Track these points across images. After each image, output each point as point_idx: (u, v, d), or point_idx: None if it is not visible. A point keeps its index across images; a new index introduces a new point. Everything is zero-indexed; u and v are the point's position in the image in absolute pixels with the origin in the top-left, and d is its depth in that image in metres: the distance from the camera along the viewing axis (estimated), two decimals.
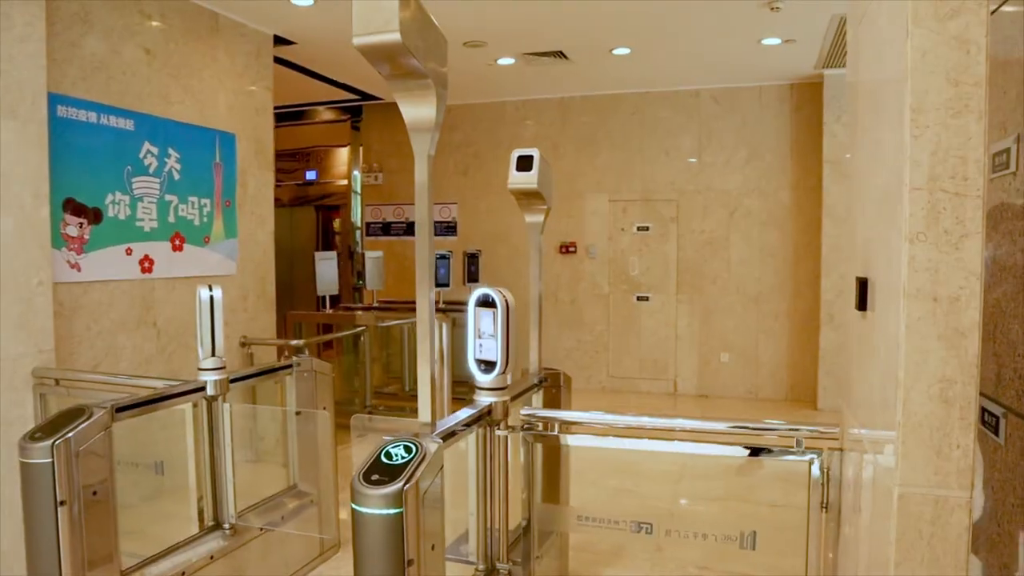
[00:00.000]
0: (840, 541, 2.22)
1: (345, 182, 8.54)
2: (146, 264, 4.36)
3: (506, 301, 2.53)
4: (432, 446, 1.94)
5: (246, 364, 5.19)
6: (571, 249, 7.99)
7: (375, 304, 6.85)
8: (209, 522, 3.05)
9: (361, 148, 8.43)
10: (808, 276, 7.07)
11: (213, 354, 2.96)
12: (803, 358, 7.12)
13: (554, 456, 3.01)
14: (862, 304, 1.87)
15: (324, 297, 6.19)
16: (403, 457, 1.90)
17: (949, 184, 1.43)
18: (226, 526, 3.05)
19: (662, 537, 2.44)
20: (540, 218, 3.12)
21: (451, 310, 6.65)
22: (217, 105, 4.94)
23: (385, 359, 6.97)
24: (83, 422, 2.38)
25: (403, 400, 6.83)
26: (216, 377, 2.99)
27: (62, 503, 2.30)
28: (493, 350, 2.53)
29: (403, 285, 8.36)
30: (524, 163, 2.90)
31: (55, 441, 2.29)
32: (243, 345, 5.17)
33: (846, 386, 2.17)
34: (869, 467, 1.78)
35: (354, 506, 1.83)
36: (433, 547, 1.94)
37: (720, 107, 7.36)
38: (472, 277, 7.48)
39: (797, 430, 2.32)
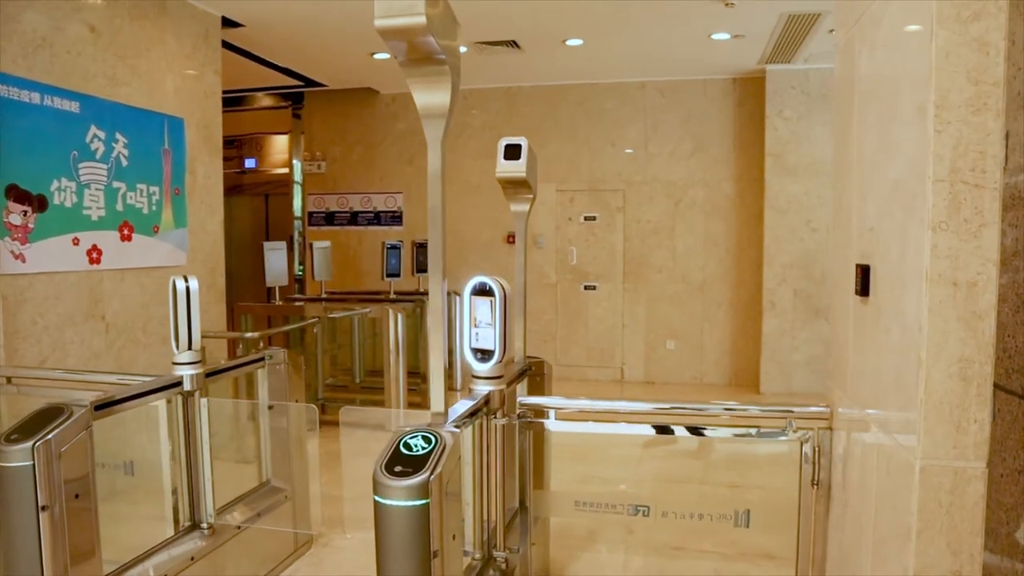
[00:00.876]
0: (831, 514, 2.34)
1: (286, 170, 8.30)
2: (94, 255, 4.13)
3: (503, 289, 2.53)
4: (450, 436, 1.93)
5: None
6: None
7: (323, 295, 6.70)
8: (185, 522, 2.94)
9: (302, 136, 8.20)
10: (750, 265, 7.34)
11: (190, 347, 2.84)
12: (746, 345, 7.40)
13: (540, 444, 3.03)
14: (864, 290, 1.97)
15: (274, 288, 6.01)
16: (423, 448, 1.89)
17: (969, 176, 1.52)
18: (204, 526, 2.94)
19: (659, 519, 2.50)
20: (526, 207, 3.12)
21: (402, 300, 6.60)
22: (165, 88, 4.71)
23: (334, 351, 6.84)
24: (63, 422, 2.24)
25: (354, 392, 6.73)
26: (193, 371, 2.87)
27: (43, 508, 2.17)
28: (490, 339, 2.52)
29: (347, 276, 8.22)
30: (512, 152, 2.91)
31: (35, 443, 2.16)
32: None
33: (838, 369, 2.28)
34: (874, 443, 1.88)
35: (378, 498, 1.81)
36: (454, 537, 1.94)
37: (665, 100, 7.53)
38: (421, 267, 7.41)
39: (790, 411, 2.42)
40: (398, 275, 6.83)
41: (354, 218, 8.17)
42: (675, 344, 7.71)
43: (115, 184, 4.28)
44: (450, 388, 7.33)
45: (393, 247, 6.75)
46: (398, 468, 1.82)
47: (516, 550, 2.71)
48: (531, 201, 3.10)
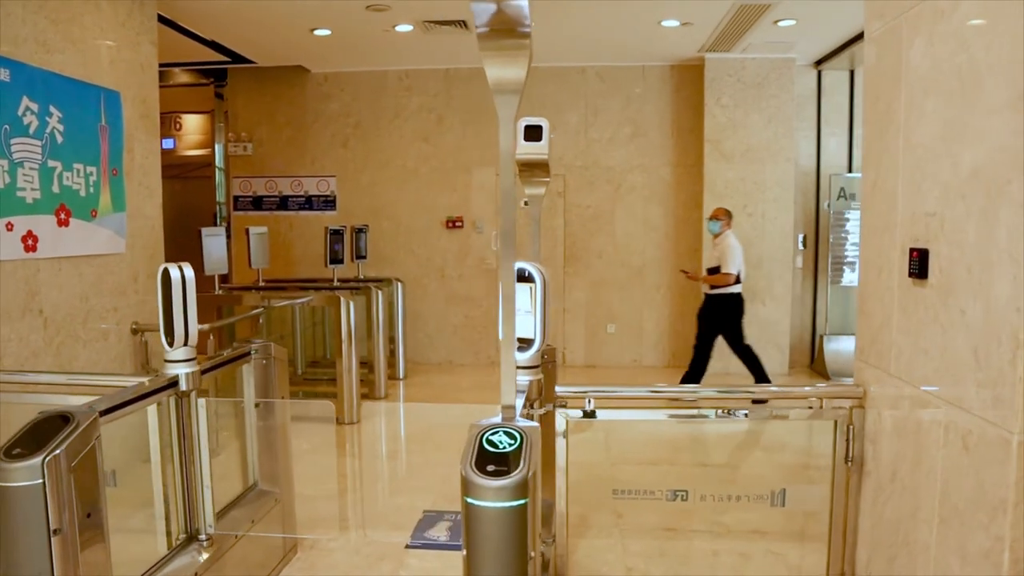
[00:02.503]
0: (863, 489, 2.42)
1: (206, 152, 7.77)
2: (29, 241, 3.69)
3: (543, 275, 2.46)
4: (532, 430, 1.85)
5: (140, 354, 4.61)
6: (458, 224, 7.89)
7: (261, 284, 6.34)
8: (180, 534, 2.69)
9: (226, 116, 7.69)
10: (688, 249, 7.54)
11: (186, 343, 2.59)
12: (684, 327, 7.61)
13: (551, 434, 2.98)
14: (922, 273, 2.03)
15: (213, 277, 5.62)
16: (509, 444, 1.80)
17: None
18: (202, 537, 2.70)
19: (696, 502, 2.52)
20: (542, 190, 3.05)
21: (348, 288, 6.35)
22: (100, 58, 4.27)
23: (274, 342, 6.47)
24: (71, 432, 1.98)
25: (297, 384, 6.42)
26: (188, 370, 2.61)
27: (55, 531, 1.90)
28: (530, 327, 2.44)
29: (277, 263, 7.81)
30: (533, 133, 2.81)
31: (45, 458, 1.89)
32: (135, 332, 4.58)
33: (875, 351, 2.35)
34: (940, 419, 1.95)
35: (471, 500, 1.70)
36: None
37: (605, 85, 7.58)
38: (360, 254, 7.17)
39: (822, 391, 2.49)
40: (341, 261, 6.58)
41: (284, 203, 7.76)
42: (615, 328, 7.84)
43: (50, 163, 3.84)
44: (391, 377, 7.17)
45: (336, 232, 6.48)
46: (490, 467, 1.72)
47: (551, 541, 2.66)
48: (547, 184, 3.03)
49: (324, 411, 3.21)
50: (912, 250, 2.09)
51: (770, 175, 7.07)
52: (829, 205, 7.17)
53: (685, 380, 6.08)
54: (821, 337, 7.24)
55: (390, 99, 7.76)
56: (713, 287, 5.98)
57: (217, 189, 7.71)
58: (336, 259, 6.45)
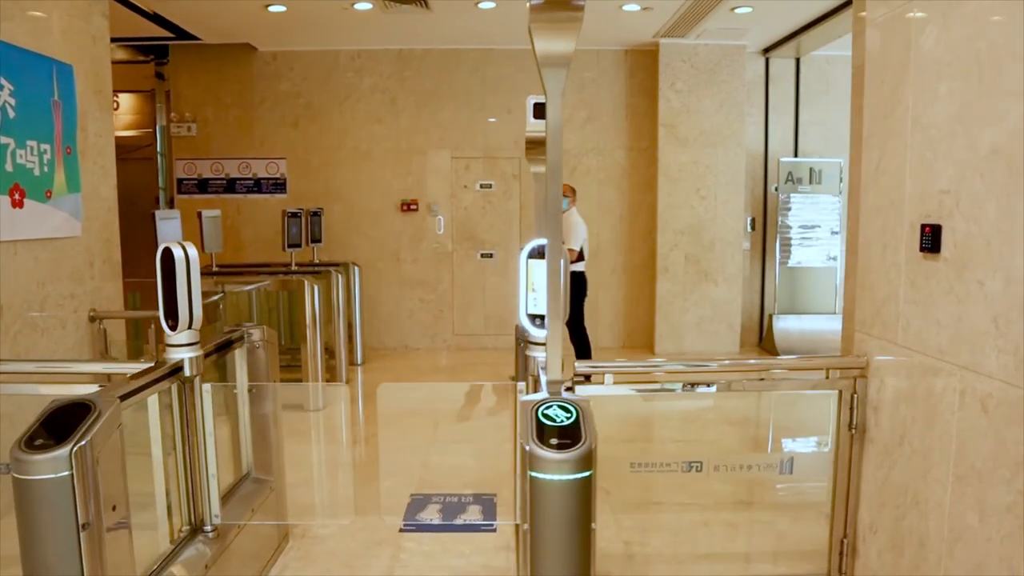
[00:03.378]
0: (866, 453, 2.56)
1: (144, 132, 7.38)
2: None
3: (565, 252, 2.47)
4: (586, 403, 1.87)
5: (99, 342, 4.37)
6: (413, 207, 7.80)
7: (214, 268, 6.11)
8: (184, 527, 2.59)
9: (168, 95, 7.32)
10: (642, 231, 7.69)
11: (191, 326, 2.48)
12: (638, 308, 7.78)
13: None
14: (935, 247, 2.15)
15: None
16: (566, 418, 1.82)
17: None
18: (208, 528, 2.61)
19: (711, 473, 2.60)
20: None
21: (308, 272, 6.19)
22: (51, 28, 3.99)
23: (218, 328, 6.24)
24: (94, 420, 1.88)
25: None
26: (192, 354, 2.50)
27: (84, 526, 1.81)
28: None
29: (226, 248, 7.51)
30: (541, 110, 2.80)
31: (72, 448, 1.79)
32: (93, 319, 4.34)
33: (880, 322, 2.47)
34: (955, 386, 2.07)
35: (536, 474, 1.71)
36: None
37: None
38: (315, 237, 7.00)
39: (825, 361, 2.61)
40: (300, 245, 6.40)
41: (232, 186, 7.47)
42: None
43: (3, 139, 3.58)
44: (351, 363, 7.05)
45: (294, 215, 6.30)
46: (554, 441, 1.73)
47: None
48: None
49: (341, 394, 3.12)
50: (924, 226, 2.20)
51: (722, 159, 7.28)
52: (777, 188, 7.44)
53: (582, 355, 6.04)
54: (770, 316, 7.53)
55: (342, 79, 7.56)
56: None
57: (160, 172, 7.34)
58: (294, 243, 6.27)
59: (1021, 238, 1.81)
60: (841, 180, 7.26)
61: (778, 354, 7.22)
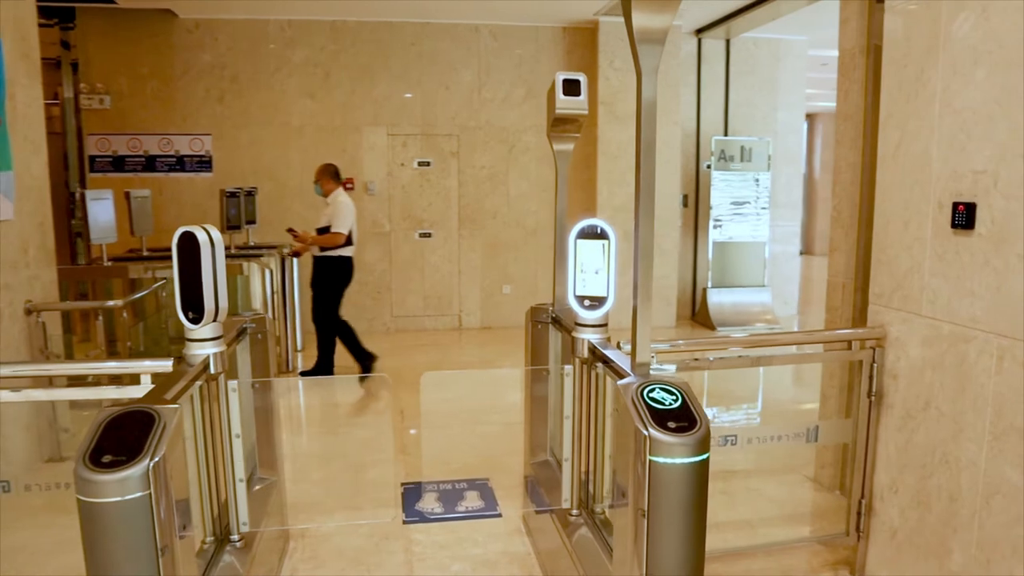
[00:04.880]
0: (883, 419, 2.71)
1: (54, 104, 6.67)
2: None
3: (615, 232, 2.46)
4: (687, 384, 1.87)
5: (36, 336, 3.95)
6: (348, 186, 7.50)
7: (145, 253, 5.66)
8: (208, 537, 2.39)
9: (75, 65, 6.63)
10: (581, 208, 7.75)
11: (216, 318, 2.27)
12: None
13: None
14: (969, 224, 2.29)
15: (92, 247, 4.93)
16: (673, 401, 1.81)
17: None
18: (235, 537, 2.43)
19: (744, 445, 2.67)
20: (570, 146, 3.02)
21: (250, 256, 5.86)
22: None
23: (166, 319, 5.83)
24: (162, 432, 1.68)
25: None
26: (217, 349, 2.30)
27: (163, 550, 1.62)
28: (601, 285, 2.44)
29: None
30: (572, 87, 2.77)
31: (150, 464, 1.59)
32: (29, 312, 3.91)
33: (901, 295, 2.61)
34: (990, 351, 2.22)
35: (657, 458, 1.70)
36: None
37: (498, 44, 7.50)
38: (250, 218, 6.62)
39: (853, 333, 2.73)
40: (239, 227, 6.03)
41: (151, 163, 6.91)
42: (511, 288, 7.92)
43: None
44: (293, 349, 6.76)
45: (232, 195, 5.92)
46: (671, 424, 1.72)
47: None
48: (576, 139, 3.01)
49: (383, 385, 2.96)
50: (957, 204, 2.33)
51: (658, 137, 7.42)
52: (709, 165, 7.70)
53: (321, 366, 5.53)
54: (704, 290, 7.82)
55: (271, 51, 7.13)
56: (323, 248, 5.39)
57: (68, 148, 6.67)
58: (233, 224, 5.89)
59: None
60: (770, 158, 7.60)
61: (714, 327, 7.53)
